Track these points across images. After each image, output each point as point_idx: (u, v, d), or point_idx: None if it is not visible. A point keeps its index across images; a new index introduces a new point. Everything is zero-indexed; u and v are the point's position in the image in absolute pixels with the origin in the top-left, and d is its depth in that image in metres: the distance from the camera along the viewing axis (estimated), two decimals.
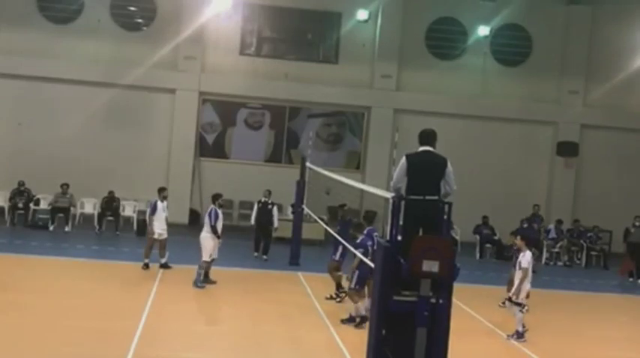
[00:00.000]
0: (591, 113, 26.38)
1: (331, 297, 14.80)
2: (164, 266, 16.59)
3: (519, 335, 12.75)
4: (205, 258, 15.11)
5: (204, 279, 15.13)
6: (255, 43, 25.87)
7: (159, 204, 16.74)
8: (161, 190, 17.16)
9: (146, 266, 16.35)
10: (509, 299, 13.07)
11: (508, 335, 12.87)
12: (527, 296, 13.12)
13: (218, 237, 15.25)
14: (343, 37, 25.82)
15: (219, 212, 15.60)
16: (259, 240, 19.51)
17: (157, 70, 24.18)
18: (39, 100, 24.06)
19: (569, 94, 26.40)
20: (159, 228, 16.53)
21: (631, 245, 21.24)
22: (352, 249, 13.01)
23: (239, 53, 25.49)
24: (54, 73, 23.72)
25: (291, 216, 20.49)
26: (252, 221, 19.49)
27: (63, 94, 24.05)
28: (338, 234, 14.80)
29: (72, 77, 23.81)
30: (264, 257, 19.20)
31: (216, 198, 15.88)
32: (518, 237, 13.75)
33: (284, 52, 25.99)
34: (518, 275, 12.96)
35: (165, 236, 16.63)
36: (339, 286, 14.68)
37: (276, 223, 19.57)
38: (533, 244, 14.23)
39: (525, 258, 12.93)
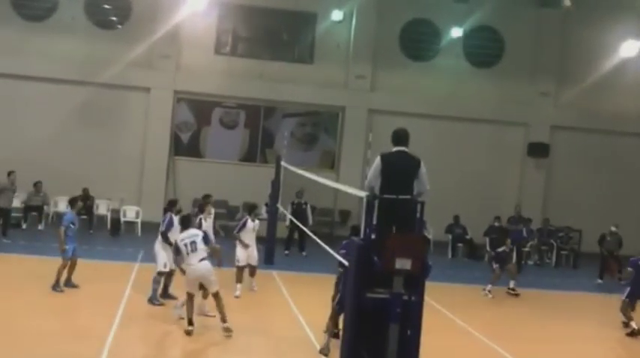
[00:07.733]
0: (562, 114, 26.77)
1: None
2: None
3: None
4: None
5: None
6: (230, 42, 25.91)
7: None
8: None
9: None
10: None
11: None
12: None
13: None
14: (318, 38, 25.95)
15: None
16: (292, 238, 20.84)
17: (132, 69, 24.12)
18: (11, 99, 23.81)
19: (540, 96, 26.77)
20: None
21: (605, 252, 21.34)
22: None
23: (214, 52, 25.51)
24: (27, 71, 23.54)
25: (265, 216, 20.55)
26: (288, 222, 20.46)
27: (36, 93, 23.85)
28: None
29: (45, 75, 23.67)
30: (304, 253, 20.39)
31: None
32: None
33: (259, 51, 26.05)
34: None
35: None
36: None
37: (310, 221, 20.66)
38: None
39: None
